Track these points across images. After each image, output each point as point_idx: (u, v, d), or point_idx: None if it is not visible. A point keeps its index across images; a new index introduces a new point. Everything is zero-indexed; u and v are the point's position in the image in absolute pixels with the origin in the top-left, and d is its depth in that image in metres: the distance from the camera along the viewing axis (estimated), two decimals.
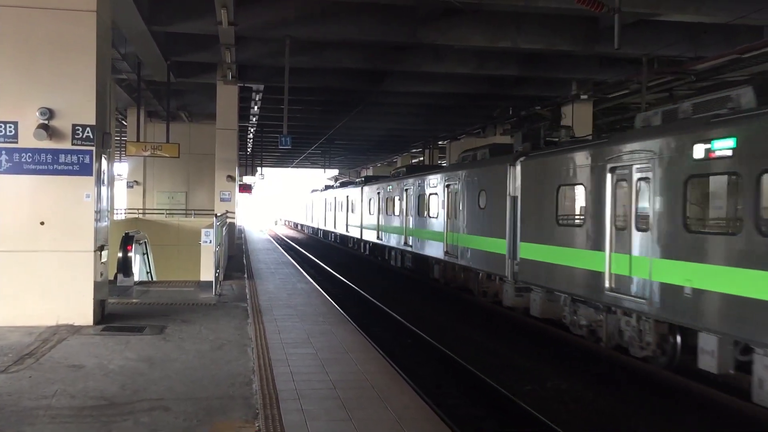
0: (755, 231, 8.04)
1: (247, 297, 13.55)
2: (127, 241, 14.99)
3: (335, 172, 66.66)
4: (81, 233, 10.01)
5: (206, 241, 14.62)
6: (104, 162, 10.60)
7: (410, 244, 23.37)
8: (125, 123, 31.72)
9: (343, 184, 40.93)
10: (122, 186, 33.48)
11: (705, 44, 16.92)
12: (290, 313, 11.85)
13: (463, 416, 8.63)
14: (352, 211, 34.54)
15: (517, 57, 19.82)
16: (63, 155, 9.95)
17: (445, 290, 19.79)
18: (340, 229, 38.56)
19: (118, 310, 11.51)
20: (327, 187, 47.67)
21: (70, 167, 9.98)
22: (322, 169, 57.24)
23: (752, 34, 16.23)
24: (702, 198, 9.53)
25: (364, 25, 16.51)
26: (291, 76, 18.58)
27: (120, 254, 14.90)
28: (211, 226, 14.73)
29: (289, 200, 79.75)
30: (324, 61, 19.75)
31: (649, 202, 10.12)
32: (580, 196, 12.21)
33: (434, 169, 24.29)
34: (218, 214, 16.50)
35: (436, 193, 20.51)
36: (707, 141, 8.86)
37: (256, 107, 26.13)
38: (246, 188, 36.88)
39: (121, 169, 34.58)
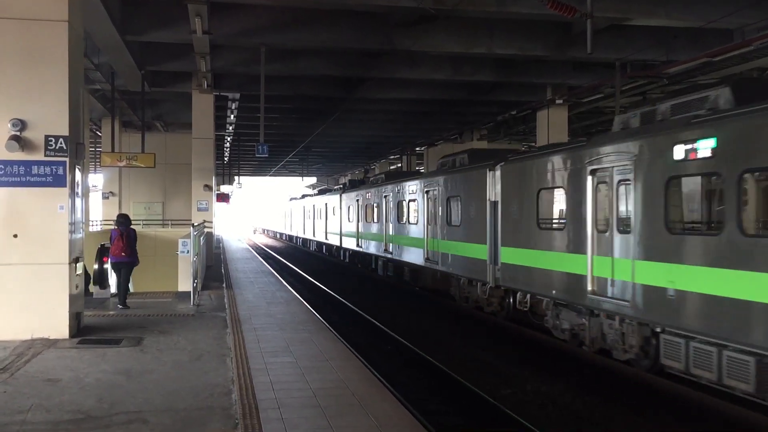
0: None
1: (226, 307, 13.46)
2: (103, 253, 14.78)
3: (313, 179, 66.47)
4: (55, 245, 9.88)
5: (183, 252, 14.52)
6: (78, 173, 10.49)
7: (326, 238, 35.96)
8: (100, 133, 31.40)
9: (292, 199, 54.39)
10: (98, 197, 33.08)
11: (676, 48, 17.19)
12: (270, 321, 11.78)
13: (443, 422, 8.62)
14: (298, 217, 47.54)
15: (492, 63, 19.99)
16: (36, 167, 9.83)
17: (418, 294, 20.28)
18: (292, 232, 51.54)
19: (94, 322, 11.39)
20: (291, 199, 56.07)
21: (44, 179, 9.87)
22: (300, 177, 57.15)
23: (722, 37, 16.50)
24: None
25: (339, 32, 16.56)
26: (267, 84, 18.55)
27: (96, 266, 14.71)
28: (188, 236, 14.62)
29: (263, 209, 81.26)
30: (299, 68, 19.78)
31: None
32: (355, 213, 27.50)
33: (330, 191, 37.69)
34: (195, 224, 16.38)
35: (329, 207, 34.57)
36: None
37: (232, 116, 26.05)
38: (223, 197, 36.67)
39: (97, 180, 34.18)
